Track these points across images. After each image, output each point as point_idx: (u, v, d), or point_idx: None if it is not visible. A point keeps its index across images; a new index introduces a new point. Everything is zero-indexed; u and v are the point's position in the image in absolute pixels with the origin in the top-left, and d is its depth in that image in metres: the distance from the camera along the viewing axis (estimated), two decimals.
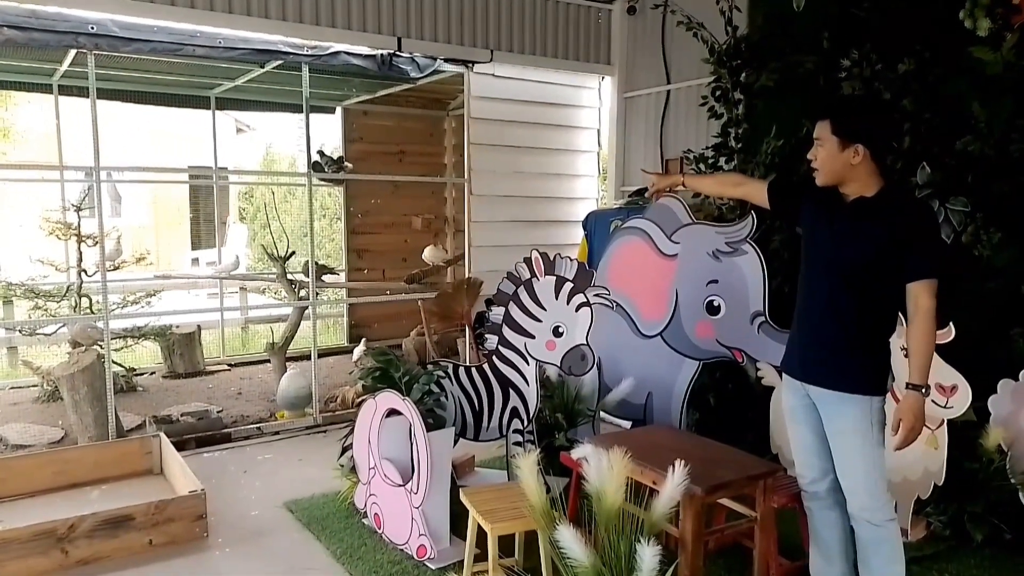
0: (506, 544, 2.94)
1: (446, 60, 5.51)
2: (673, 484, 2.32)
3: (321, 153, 6.72)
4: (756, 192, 2.94)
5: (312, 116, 5.31)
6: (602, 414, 4.27)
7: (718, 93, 4.90)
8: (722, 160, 4.84)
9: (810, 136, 4.38)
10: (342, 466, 3.83)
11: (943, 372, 3.14)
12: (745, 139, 4.81)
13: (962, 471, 3.23)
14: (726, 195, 3.44)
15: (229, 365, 7.08)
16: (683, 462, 2.34)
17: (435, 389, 3.61)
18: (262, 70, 5.65)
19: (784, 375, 2.72)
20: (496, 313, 3.70)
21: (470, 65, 5.63)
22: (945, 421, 3.17)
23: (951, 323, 3.16)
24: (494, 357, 3.73)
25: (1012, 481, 3.16)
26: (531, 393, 3.66)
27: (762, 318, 3.72)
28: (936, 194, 3.85)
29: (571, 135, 6.36)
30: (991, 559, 3.14)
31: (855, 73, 4.16)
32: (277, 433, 5.08)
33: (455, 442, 3.64)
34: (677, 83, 5.79)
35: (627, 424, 4.27)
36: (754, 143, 4.67)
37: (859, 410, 2.46)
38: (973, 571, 3.06)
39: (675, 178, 3.39)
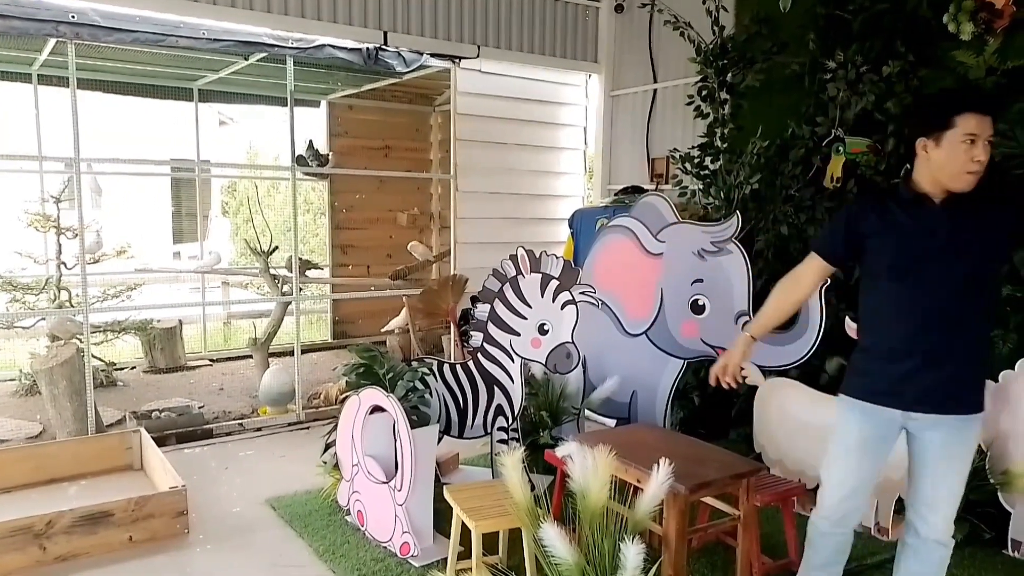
0: (490, 542, 2.94)
1: (432, 55, 5.48)
2: (657, 482, 2.32)
3: (311, 146, 6.67)
4: (815, 274, 2.55)
5: (296, 110, 5.26)
6: (587, 412, 4.27)
7: (704, 93, 4.92)
8: (707, 159, 4.86)
9: (796, 136, 4.46)
10: (325, 463, 3.80)
11: None
12: (731, 139, 4.83)
13: None
14: (793, 308, 2.72)
15: (211, 360, 7.01)
16: (667, 461, 2.35)
17: (419, 386, 3.59)
18: (246, 62, 5.59)
19: (865, 404, 2.40)
20: (481, 310, 3.69)
21: (457, 60, 5.61)
22: None
23: None
24: (479, 354, 3.72)
25: (991, 481, 3.20)
26: (516, 391, 3.66)
27: (747, 317, 3.74)
28: None
29: (557, 132, 6.36)
30: (971, 558, 3.18)
31: (840, 75, 4.19)
32: (259, 429, 5.04)
33: (439, 439, 3.63)
34: (664, 82, 5.80)
35: (611, 422, 4.28)
36: (740, 143, 4.69)
37: (975, 431, 2.34)
38: (953, 570, 3.05)
39: (742, 342, 2.70)
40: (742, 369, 2.76)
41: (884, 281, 2.36)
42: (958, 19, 3.85)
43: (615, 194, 5.68)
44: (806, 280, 2.56)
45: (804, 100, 4.48)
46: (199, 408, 5.26)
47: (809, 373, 3.81)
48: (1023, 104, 3.64)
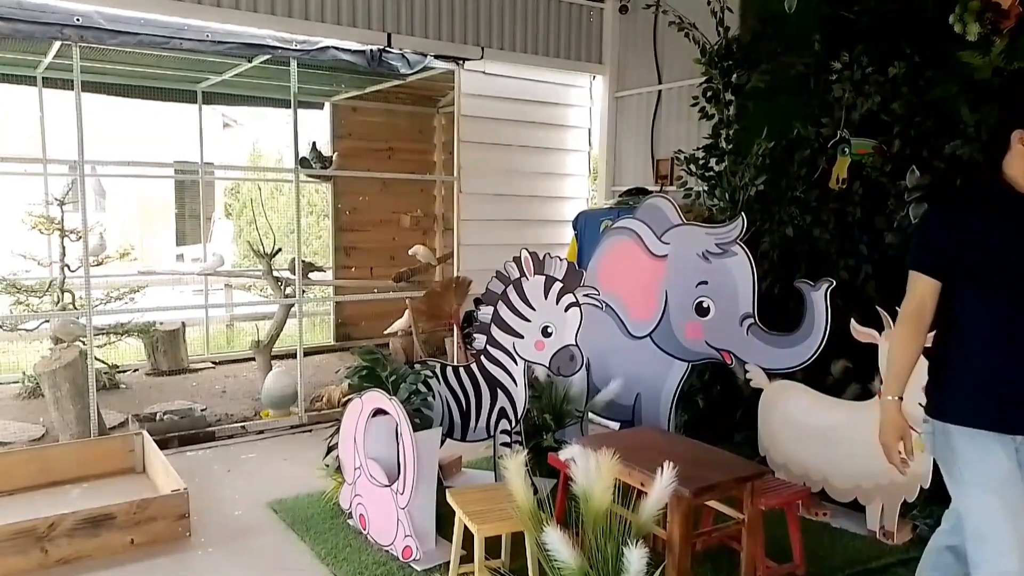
0: (492, 545, 2.92)
1: (436, 57, 5.48)
2: (661, 486, 2.30)
3: (314, 148, 6.67)
4: (933, 298, 2.22)
5: (300, 112, 5.27)
6: (590, 415, 4.26)
7: (709, 94, 4.90)
8: (712, 161, 4.84)
9: (801, 137, 4.44)
10: (327, 466, 3.79)
11: None
12: (736, 140, 4.81)
13: None
14: (923, 344, 2.29)
15: (213, 363, 7.01)
16: (671, 464, 2.33)
17: (422, 389, 3.58)
18: (250, 64, 5.59)
19: (987, 433, 2.12)
20: (484, 312, 3.68)
21: (460, 62, 5.60)
22: None
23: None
24: (482, 357, 3.71)
25: None
26: (519, 393, 3.64)
27: (751, 320, 3.72)
28: (925, 197, 3.86)
29: (562, 134, 6.34)
30: None
31: (846, 76, 4.17)
32: (262, 432, 5.03)
33: (442, 442, 3.62)
34: (669, 83, 5.78)
35: (615, 425, 4.27)
36: (745, 144, 4.67)
37: None
38: None
39: (893, 408, 2.28)
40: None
41: (984, 290, 2.13)
42: (964, 20, 3.82)
43: (619, 196, 5.66)
44: (929, 307, 2.21)
45: (809, 101, 4.45)
46: (201, 411, 5.26)
47: (814, 376, 3.78)
48: None
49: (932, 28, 3.96)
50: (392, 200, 7.99)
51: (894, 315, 3.27)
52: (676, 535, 2.55)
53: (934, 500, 3.27)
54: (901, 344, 2.28)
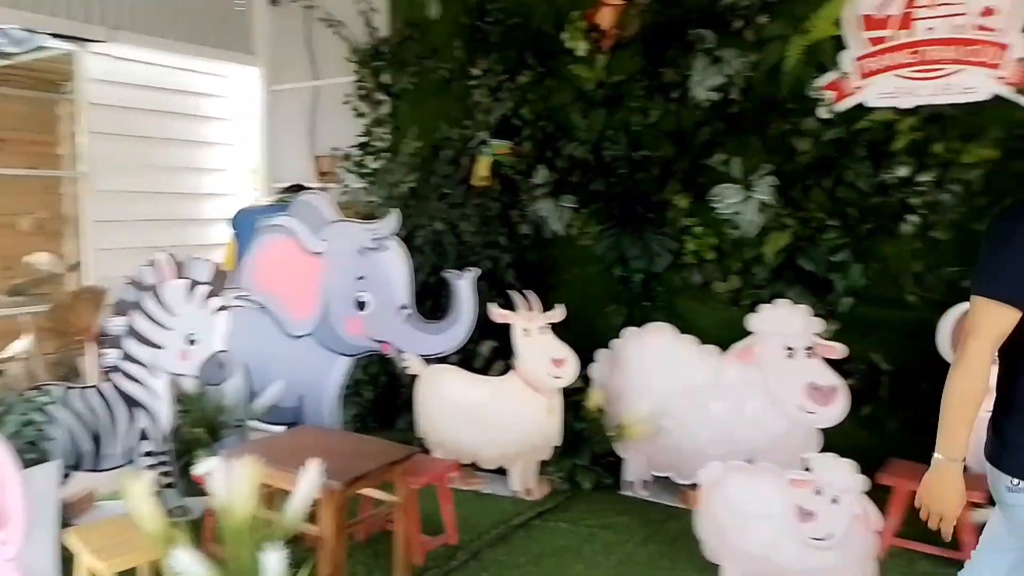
0: None
1: (52, 35, 4.71)
2: (306, 483, 2.27)
3: None
4: (1008, 333, 1.73)
5: None
6: (253, 423, 4.05)
7: (362, 92, 4.97)
8: (370, 158, 4.92)
9: (446, 138, 4.73)
10: None
11: (554, 347, 3.58)
12: (392, 139, 4.95)
13: (572, 431, 3.73)
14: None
15: None
16: (319, 460, 2.31)
17: (38, 418, 3.06)
18: None
19: None
20: (116, 324, 3.29)
21: (83, 43, 4.89)
22: (559, 390, 3.63)
23: (563, 304, 3.65)
24: (116, 374, 3.30)
25: (609, 435, 3.74)
26: (162, 410, 3.32)
27: (408, 310, 3.87)
28: (551, 193, 4.40)
29: (212, 127, 5.91)
30: (597, 501, 3.67)
31: (483, 82, 4.54)
32: None
33: (66, 476, 3.14)
34: (326, 79, 5.72)
35: (280, 429, 4.12)
36: (399, 143, 4.83)
37: None
38: (584, 515, 3.53)
39: (954, 470, 1.77)
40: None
41: None
42: (574, 37, 4.41)
43: (279, 192, 5.47)
44: (999, 344, 1.75)
45: (454, 104, 4.76)
46: None
47: (466, 358, 4.08)
48: (622, 114, 4.31)
49: (551, 43, 4.50)
50: (5, 200, 6.68)
51: (524, 297, 3.69)
52: (329, 528, 2.55)
53: (564, 455, 3.76)
54: (966, 390, 1.74)
